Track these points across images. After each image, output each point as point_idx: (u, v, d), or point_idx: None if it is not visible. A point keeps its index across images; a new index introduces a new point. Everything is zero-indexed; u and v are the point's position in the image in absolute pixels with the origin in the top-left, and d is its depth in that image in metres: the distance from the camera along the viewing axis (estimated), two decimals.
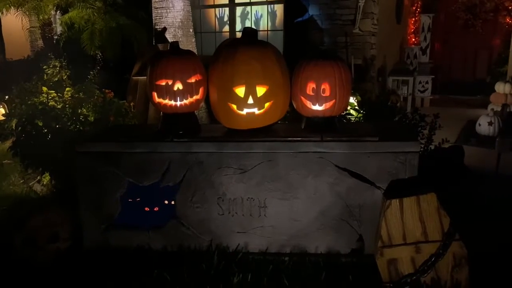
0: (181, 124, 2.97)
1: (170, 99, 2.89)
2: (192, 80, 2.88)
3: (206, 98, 3.05)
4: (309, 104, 2.84)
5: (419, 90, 8.98)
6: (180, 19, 5.36)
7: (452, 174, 3.69)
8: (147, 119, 5.24)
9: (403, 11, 9.38)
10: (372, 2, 7.32)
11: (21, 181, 4.47)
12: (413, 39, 10.51)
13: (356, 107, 4.47)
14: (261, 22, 8.03)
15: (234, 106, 2.83)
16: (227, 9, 8.27)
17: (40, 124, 4.12)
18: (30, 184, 4.38)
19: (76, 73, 6.56)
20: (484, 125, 5.88)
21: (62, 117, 4.25)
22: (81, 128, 4.24)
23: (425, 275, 2.47)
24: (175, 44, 3.04)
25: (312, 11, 7.48)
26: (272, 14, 7.96)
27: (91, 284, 2.64)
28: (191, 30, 5.56)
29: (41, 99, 4.60)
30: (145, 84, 3.13)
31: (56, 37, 7.90)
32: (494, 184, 4.07)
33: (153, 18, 5.54)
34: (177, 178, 2.88)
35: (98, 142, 3.01)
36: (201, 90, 2.96)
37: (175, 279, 2.60)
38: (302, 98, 2.85)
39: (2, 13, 7.25)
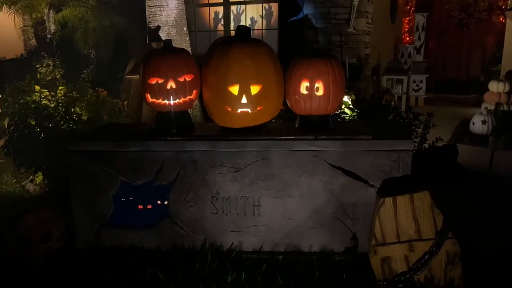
0: (175, 122, 2.96)
1: (163, 98, 2.87)
2: (186, 78, 2.87)
3: (200, 96, 3.04)
4: (302, 102, 2.83)
5: (413, 89, 9.01)
6: (174, 17, 5.34)
7: (445, 173, 3.70)
8: (141, 117, 5.22)
9: (397, 10, 9.41)
10: (367, 1, 7.33)
11: (14, 181, 4.43)
12: (408, 38, 10.56)
13: (351, 106, 4.48)
14: (255, 21, 8.01)
15: (228, 105, 2.81)
16: (221, 7, 8.25)
17: (33, 123, 4.09)
18: (23, 183, 4.35)
19: (69, 72, 6.53)
20: (478, 124, 5.90)
21: (55, 116, 4.23)
22: (74, 127, 4.21)
23: (419, 273, 2.48)
24: (168, 42, 3.02)
25: (307, 10, 7.48)
26: (266, 13, 7.94)
27: (84, 283, 2.63)
28: (185, 29, 5.54)
29: (34, 98, 4.57)
30: (139, 83, 3.12)
31: (49, 35, 7.85)
32: (487, 182, 4.08)
33: (146, 17, 5.51)
34: (171, 177, 2.87)
35: (91, 141, 2.99)
36: (194, 88, 2.94)
37: (169, 278, 2.59)
38: (296, 96, 2.85)
39: None
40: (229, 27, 8.19)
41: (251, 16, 8.07)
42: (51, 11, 8.07)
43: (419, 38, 9.79)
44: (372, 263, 2.52)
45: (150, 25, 5.42)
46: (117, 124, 4.38)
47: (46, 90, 4.69)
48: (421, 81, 9.02)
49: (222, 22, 8.31)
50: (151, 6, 5.35)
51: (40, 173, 4.10)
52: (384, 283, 2.50)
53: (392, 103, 5.93)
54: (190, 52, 4.88)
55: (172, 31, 5.33)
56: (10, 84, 5.55)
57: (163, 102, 2.87)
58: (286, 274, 2.60)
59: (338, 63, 2.88)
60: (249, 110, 2.82)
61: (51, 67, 6.47)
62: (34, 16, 7.17)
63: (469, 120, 6.20)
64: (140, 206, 2.94)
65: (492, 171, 4.22)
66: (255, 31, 7.82)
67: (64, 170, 3.02)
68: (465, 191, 3.60)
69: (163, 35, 5.26)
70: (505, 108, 6.63)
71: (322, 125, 2.89)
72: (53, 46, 7.54)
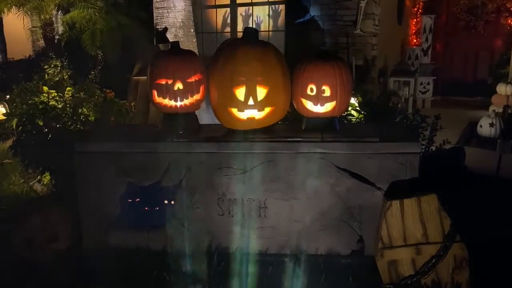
0: (182, 124, 2.97)
1: (170, 99, 2.88)
2: (193, 80, 2.88)
3: (207, 98, 3.04)
4: (309, 105, 2.83)
5: (420, 91, 8.99)
6: (181, 19, 5.35)
7: (453, 176, 3.67)
8: (148, 119, 5.23)
9: (404, 12, 9.38)
10: (374, 3, 7.32)
11: (22, 181, 4.47)
12: (415, 40, 10.52)
13: (357, 108, 4.46)
14: (262, 23, 8.02)
15: (234, 108, 2.81)
16: (228, 9, 8.27)
17: (41, 123, 4.12)
18: (31, 183, 4.38)
19: (77, 72, 6.58)
20: (486, 127, 5.87)
21: (63, 117, 4.25)
22: (81, 127, 4.24)
23: (426, 276, 2.46)
24: (175, 44, 3.03)
25: (314, 11, 7.48)
26: (273, 15, 7.95)
27: (90, 284, 2.64)
28: (192, 30, 5.56)
29: (41, 99, 4.61)
30: (146, 84, 3.13)
31: (57, 37, 7.93)
32: (495, 185, 4.05)
33: (154, 18, 5.53)
34: (177, 178, 2.87)
35: (98, 142, 3.00)
36: (201, 90, 2.95)
37: (175, 279, 2.59)
38: (303, 98, 2.84)
39: (3, 13, 7.26)
40: (236, 28, 8.20)
41: (258, 18, 8.08)
42: (59, 13, 8.15)
43: (426, 40, 9.77)
44: (378, 267, 2.51)
45: (157, 27, 5.44)
46: (124, 125, 4.41)
47: (54, 91, 4.73)
48: (428, 83, 8.99)
49: (229, 23, 8.33)
50: (158, 7, 5.37)
51: (48, 174, 4.12)
52: (391, 286, 2.49)
53: (399, 105, 5.91)
54: (197, 53, 4.89)
55: (179, 32, 5.34)
56: (18, 84, 5.61)
57: (170, 103, 2.88)
58: (292, 277, 2.59)
59: (345, 65, 2.87)
60: (255, 112, 2.81)
61: (59, 68, 6.54)
62: (42, 17, 7.25)
63: (476, 122, 6.17)
64: (147, 207, 2.94)
65: (500, 174, 4.19)
66: (262, 32, 7.83)
67: (72, 171, 3.03)
68: (472, 194, 3.58)
69: (170, 36, 5.28)
70: None
71: (329, 127, 2.89)
72: (61, 47, 7.60)
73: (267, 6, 7.95)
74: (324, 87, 2.76)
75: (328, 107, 2.81)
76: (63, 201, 3.45)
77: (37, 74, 6.35)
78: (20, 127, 4.14)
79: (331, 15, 7.39)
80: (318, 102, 2.79)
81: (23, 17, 7.50)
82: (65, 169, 3.70)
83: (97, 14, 6.88)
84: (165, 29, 5.32)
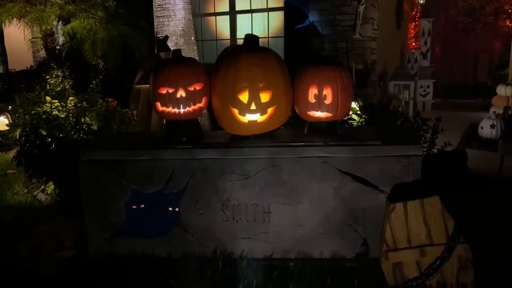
0: (185, 131, 2.99)
1: (173, 107, 2.90)
2: (195, 87, 2.90)
3: (209, 105, 3.07)
4: (311, 109, 2.85)
5: (420, 94, 9.02)
6: (182, 27, 5.40)
7: (455, 177, 3.68)
8: (150, 127, 5.26)
9: (403, 16, 9.43)
10: (372, 8, 7.36)
11: (25, 191, 4.49)
12: (414, 44, 10.57)
13: (358, 112, 4.48)
14: (261, 29, 8.07)
15: (237, 112, 2.84)
16: (227, 16, 8.32)
17: (44, 133, 4.14)
18: (34, 193, 4.40)
19: (78, 82, 6.61)
20: (487, 128, 5.89)
21: (66, 126, 4.28)
22: (84, 136, 4.26)
23: (431, 278, 2.47)
24: (177, 52, 3.06)
25: (312, 17, 7.53)
26: (272, 21, 8.00)
27: None
28: (192, 38, 5.60)
29: (44, 109, 4.63)
30: (148, 93, 3.15)
31: (58, 47, 7.95)
32: (497, 187, 4.06)
33: (154, 27, 5.58)
34: (181, 185, 2.89)
35: (102, 150, 3.02)
36: (204, 97, 2.97)
37: (180, 285, 2.60)
38: (304, 103, 2.86)
39: (4, 24, 7.31)
40: (236, 35, 8.25)
41: (257, 24, 8.13)
42: (60, 23, 8.20)
43: (425, 43, 9.82)
44: (383, 269, 2.51)
45: (158, 35, 5.48)
46: (127, 133, 4.43)
47: (56, 101, 4.75)
48: (428, 86, 9.03)
49: (228, 30, 8.38)
50: (159, 16, 5.42)
51: (52, 183, 4.14)
52: None
53: (400, 108, 5.93)
54: (198, 61, 4.92)
55: (180, 40, 5.39)
56: (21, 95, 5.64)
57: (173, 110, 2.90)
58: (297, 281, 2.60)
59: (346, 69, 2.90)
60: (258, 117, 2.84)
61: (61, 78, 6.57)
62: (43, 28, 7.27)
63: (477, 124, 6.19)
64: (151, 215, 2.95)
65: (502, 175, 4.19)
66: (261, 39, 7.85)
67: (75, 180, 3.05)
68: (475, 196, 3.58)
69: (171, 44, 5.32)
70: None
71: (331, 131, 2.91)
72: (62, 57, 7.64)
73: (266, 13, 8.00)
74: (325, 92, 2.79)
75: (329, 111, 2.83)
76: (67, 210, 3.47)
77: (39, 84, 6.37)
78: (24, 137, 4.16)
79: (330, 21, 7.43)
80: (319, 106, 2.81)
81: (24, 28, 7.54)
82: (69, 178, 3.73)
83: (97, 24, 6.92)
84: (166, 37, 5.37)
